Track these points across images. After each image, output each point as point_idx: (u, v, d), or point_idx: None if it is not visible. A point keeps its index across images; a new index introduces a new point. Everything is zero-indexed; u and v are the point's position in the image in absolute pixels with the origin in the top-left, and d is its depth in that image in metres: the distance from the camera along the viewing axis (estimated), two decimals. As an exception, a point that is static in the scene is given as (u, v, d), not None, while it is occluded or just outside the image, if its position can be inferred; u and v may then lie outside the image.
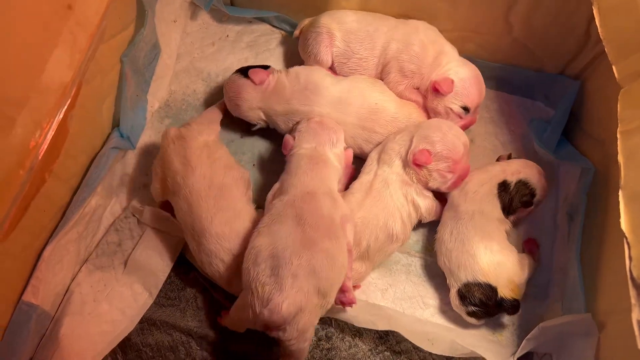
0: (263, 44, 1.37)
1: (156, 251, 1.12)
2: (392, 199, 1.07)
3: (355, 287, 1.11)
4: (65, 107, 0.82)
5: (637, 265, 0.77)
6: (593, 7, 0.92)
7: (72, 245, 1.06)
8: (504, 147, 1.29)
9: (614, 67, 0.91)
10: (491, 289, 1.04)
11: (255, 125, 1.21)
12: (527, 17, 1.17)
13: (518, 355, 1.04)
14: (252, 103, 1.17)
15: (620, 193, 0.83)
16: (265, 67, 1.19)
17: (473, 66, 1.19)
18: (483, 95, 1.19)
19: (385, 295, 1.15)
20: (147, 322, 1.10)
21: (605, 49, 0.92)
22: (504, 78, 1.33)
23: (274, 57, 1.35)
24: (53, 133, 0.80)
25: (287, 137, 1.10)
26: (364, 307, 1.08)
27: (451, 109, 1.16)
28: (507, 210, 1.12)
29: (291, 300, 0.85)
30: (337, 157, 1.08)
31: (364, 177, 1.11)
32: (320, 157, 1.05)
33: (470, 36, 1.26)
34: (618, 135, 0.86)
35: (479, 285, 1.05)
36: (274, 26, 1.40)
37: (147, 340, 1.09)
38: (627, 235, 0.80)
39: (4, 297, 0.94)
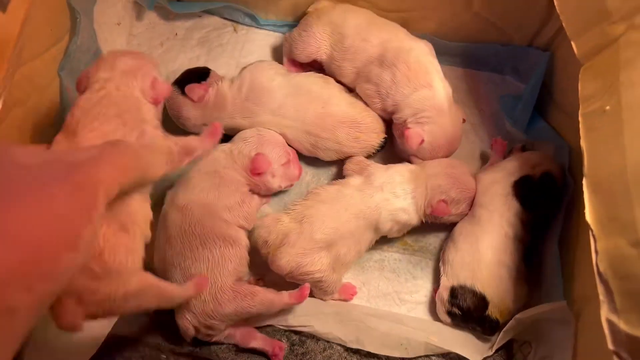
0: (215, 39, 1.30)
1: None
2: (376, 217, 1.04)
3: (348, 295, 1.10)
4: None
5: (604, 259, 0.72)
6: (547, -20, 0.86)
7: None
8: (474, 129, 1.23)
9: (572, 43, 0.85)
10: (483, 302, 1.01)
11: None
12: (486, -10, 1.10)
13: (495, 347, 1.01)
14: (196, 121, 1.11)
15: (584, 181, 0.77)
16: (205, 74, 1.12)
17: (454, 124, 1.09)
18: (449, 155, 1.12)
19: (359, 295, 1.11)
20: (113, 339, 1.03)
21: (563, 24, 0.86)
22: (471, 54, 1.26)
23: (227, 53, 1.28)
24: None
25: None
26: (331, 316, 1.04)
27: (409, 157, 1.12)
28: (529, 212, 1.03)
29: None
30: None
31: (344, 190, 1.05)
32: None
33: (430, 14, 1.19)
34: (580, 118, 0.81)
35: (474, 293, 1.01)
36: (225, 18, 1.32)
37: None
38: (592, 227, 0.75)
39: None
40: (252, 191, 1.08)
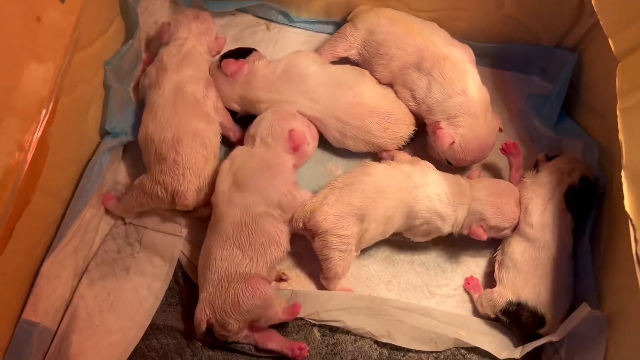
0: (248, 37, 1.33)
1: (157, 253, 1.11)
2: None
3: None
4: (44, 123, 0.80)
5: (644, 248, 0.75)
6: (585, -21, 0.88)
7: (69, 259, 1.04)
8: (503, 126, 1.25)
9: (610, 41, 0.88)
10: (541, 321, 1.03)
11: (236, 113, 1.20)
12: (518, -10, 1.13)
13: (525, 352, 1.02)
14: (226, 94, 1.16)
15: (622, 173, 0.80)
16: (247, 52, 1.18)
17: (488, 131, 1.10)
18: (479, 161, 1.15)
19: (389, 287, 1.13)
20: (150, 327, 1.08)
21: (600, 22, 0.88)
22: (499, 54, 1.29)
23: (260, 50, 1.30)
24: (33, 152, 0.78)
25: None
26: (362, 310, 1.06)
27: (438, 154, 1.14)
28: (577, 220, 1.05)
29: None
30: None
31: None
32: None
33: (461, 14, 1.22)
34: (618, 113, 0.83)
35: (535, 313, 1.03)
36: (258, 16, 1.36)
37: (152, 345, 1.07)
38: (631, 217, 0.77)
39: (2, 318, 0.93)
40: (298, 165, 1.10)
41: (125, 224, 1.14)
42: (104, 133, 1.13)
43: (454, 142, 1.09)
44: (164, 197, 1.05)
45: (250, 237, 0.99)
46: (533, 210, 1.06)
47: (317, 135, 1.14)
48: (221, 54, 1.20)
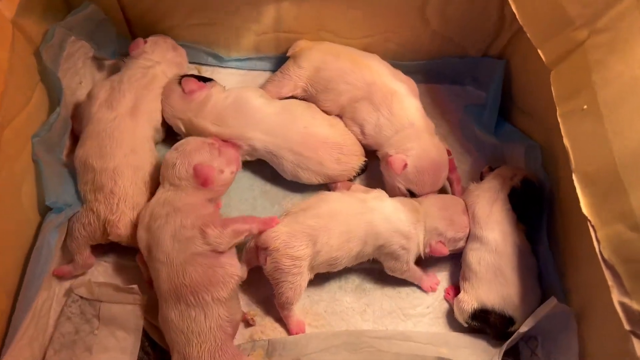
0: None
1: (119, 326, 1.04)
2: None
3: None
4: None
5: (607, 247, 0.78)
6: (507, -4, 0.92)
7: (25, 352, 0.96)
8: (444, 139, 1.28)
9: (539, 51, 0.92)
10: (511, 322, 1.04)
11: (177, 134, 1.18)
12: (442, 9, 1.17)
13: (504, 350, 1.03)
14: (175, 112, 1.15)
15: (573, 177, 0.83)
16: (208, 80, 1.18)
17: (438, 154, 1.12)
18: (437, 186, 1.15)
19: (364, 317, 1.12)
20: None
21: (528, 34, 0.92)
22: (431, 70, 1.32)
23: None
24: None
25: None
26: (342, 347, 1.03)
27: (397, 187, 1.14)
28: (524, 221, 1.08)
29: None
30: None
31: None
32: None
33: (391, 37, 1.24)
34: (559, 119, 0.87)
35: (503, 316, 1.04)
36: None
37: None
38: (589, 218, 0.80)
39: None
40: (214, 199, 1.05)
41: (79, 299, 1.06)
42: (43, 211, 1.05)
43: (406, 165, 1.10)
44: (95, 226, 1.03)
45: (188, 288, 0.93)
46: (480, 212, 1.09)
47: (234, 158, 1.08)
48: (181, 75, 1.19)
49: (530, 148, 1.15)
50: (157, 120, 1.16)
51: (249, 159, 1.17)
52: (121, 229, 1.02)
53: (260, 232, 1.01)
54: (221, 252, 0.97)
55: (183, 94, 1.14)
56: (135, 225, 1.02)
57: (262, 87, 1.23)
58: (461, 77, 1.33)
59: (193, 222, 0.96)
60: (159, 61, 1.18)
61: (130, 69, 1.15)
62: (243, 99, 1.14)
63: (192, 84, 1.14)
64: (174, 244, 0.95)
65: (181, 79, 1.16)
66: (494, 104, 1.24)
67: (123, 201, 1.03)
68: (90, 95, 1.13)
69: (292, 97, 1.22)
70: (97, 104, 1.09)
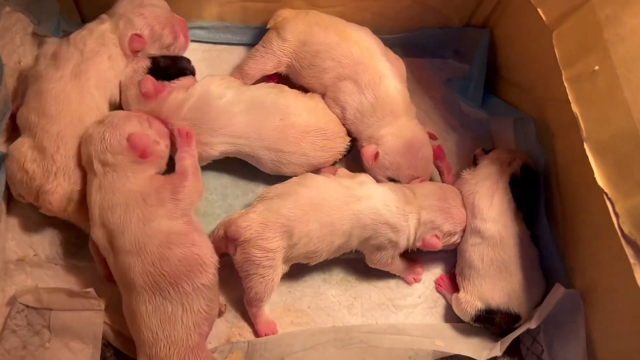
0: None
1: (73, 336, 0.94)
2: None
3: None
4: None
5: (627, 221, 0.71)
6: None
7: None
8: (428, 115, 1.21)
9: (539, 10, 0.84)
10: (517, 319, 0.98)
11: None
12: (422, -27, 1.08)
13: (504, 347, 0.97)
14: (132, 102, 1.02)
15: (585, 146, 0.76)
16: (182, 74, 1.04)
17: (412, 134, 1.05)
18: (419, 168, 1.06)
19: (352, 311, 1.04)
20: None
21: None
22: (410, 43, 1.24)
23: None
24: None
25: None
26: (330, 344, 0.96)
27: (377, 179, 1.05)
28: (524, 209, 1.01)
29: None
30: None
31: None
32: None
33: (367, 5, 1.15)
34: (565, 84, 0.80)
35: (509, 314, 0.98)
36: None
37: None
38: (606, 190, 0.73)
39: None
40: (159, 170, 0.97)
41: (24, 308, 0.94)
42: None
43: (377, 154, 1.04)
44: (28, 187, 0.94)
45: (167, 277, 0.84)
46: (481, 203, 1.01)
47: (165, 132, 0.99)
48: (163, 58, 1.05)
49: (519, 121, 1.09)
50: (112, 92, 1.02)
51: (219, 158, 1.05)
52: (53, 204, 0.93)
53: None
54: (194, 225, 0.90)
55: (139, 94, 1.01)
56: (70, 201, 0.94)
57: (243, 64, 1.11)
58: (443, 49, 1.26)
59: (159, 197, 0.89)
60: (120, 13, 1.03)
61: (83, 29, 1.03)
62: (206, 100, 1.01)
63: (150, 85, 1.00)
64: (144, 228, 0.86)
65: (151, 72, 1.02)
66: (479, 76, 1.18)
67: (62, 172, 0.93)
68: (37, 55, 1.01)
69: (276, 73, 1.11)
70: (44, 62, 0.98)
